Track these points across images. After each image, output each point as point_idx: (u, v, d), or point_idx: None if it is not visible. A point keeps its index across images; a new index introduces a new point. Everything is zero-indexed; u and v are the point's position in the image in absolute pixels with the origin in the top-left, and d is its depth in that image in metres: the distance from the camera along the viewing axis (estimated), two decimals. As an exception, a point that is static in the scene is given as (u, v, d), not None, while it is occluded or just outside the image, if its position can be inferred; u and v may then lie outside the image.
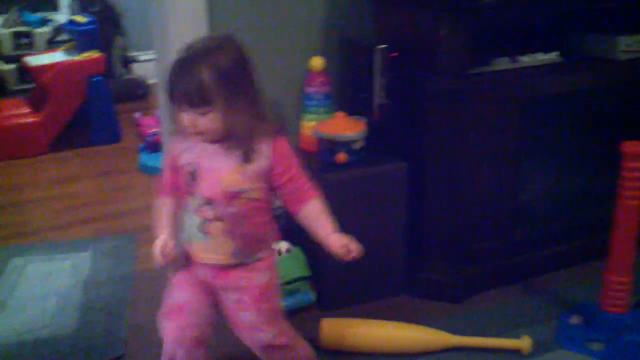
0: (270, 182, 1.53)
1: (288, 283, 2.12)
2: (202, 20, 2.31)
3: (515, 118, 2.18)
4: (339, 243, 1.53)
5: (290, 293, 2.13)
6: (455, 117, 2.09)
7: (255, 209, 1.53)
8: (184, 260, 1.61)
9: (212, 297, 1.62)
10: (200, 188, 1.50)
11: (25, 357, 2.01)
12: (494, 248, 2.28)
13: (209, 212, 1.50)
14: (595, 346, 1.94)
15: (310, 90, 2.26)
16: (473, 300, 2.21)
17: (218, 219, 1.51)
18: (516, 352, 1.94)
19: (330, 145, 2.14)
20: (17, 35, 4.22)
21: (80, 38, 3.96)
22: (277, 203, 1.62)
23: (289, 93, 2.41)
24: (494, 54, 2.19)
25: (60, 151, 3.80)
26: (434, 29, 2.03)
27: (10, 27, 4.23)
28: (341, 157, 2.13)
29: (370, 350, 1.95)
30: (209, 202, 1.50)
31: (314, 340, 1.96)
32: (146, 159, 3.45)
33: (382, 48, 2.16)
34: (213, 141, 1.48)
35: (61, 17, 4.47)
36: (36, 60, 3.94)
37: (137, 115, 4.05)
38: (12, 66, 4.18)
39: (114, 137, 3.92)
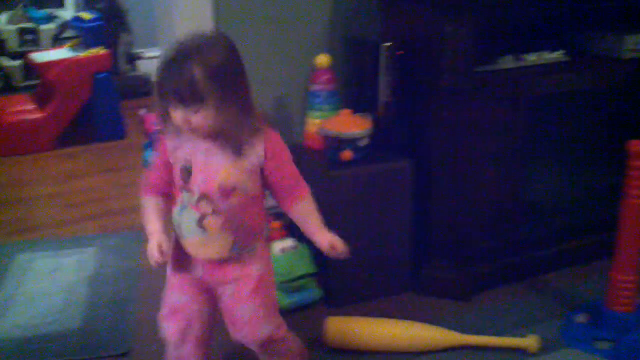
0: (263, 176, 1.54)
1: (294, 280, 2.12)
2: (208, 18, 2.31)
3: (520, 117, 2.18)
4: (327, 241, 1.58)
5: (296, 290, 2.14)
6: (461, 116, 2.09)
7: (251, 202, 1.54)
8: (174, 258, 1.61)
9: (210, 296, 1.62)
10: (196, 184, 1.50)
11: (32, 353, 2.01)
12: (500, 246, 2.28)
13: (207, 207, 1.50)
14: (602, 345, 1.94)
15: (315, 87, 2.27)
16: (479, 299, 2.21)
17: (216, 213, 1.51)
18: (523, 351, 1.93)
19: (336, 143, 2.14)
20: (23, 31, 4.23)
21: (86, 35, 3.97)
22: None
23: (295, 90, 2.42)
24: (499, 52, 2.19)
25: (65, 148, 3.81)
26: (440, 26, 2.03)
27: (16, 23, 4.24)
28: (346, 154, 2.13)
29: (376, 349, 1.95)
30: (205, 197, 1.50)
31: (319, 339, 1.97)
32: (151, 155, 3.44)
33: (388, 46, 2.16)
34: (206, 137, 1.48)
35: (67, 13, 4.47)
36: (42, 57, 3.94)
37: (142, 112, 4.05)
38: (17, 63, 4.19)
39: (119, 133, 3.92)
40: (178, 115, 1.43)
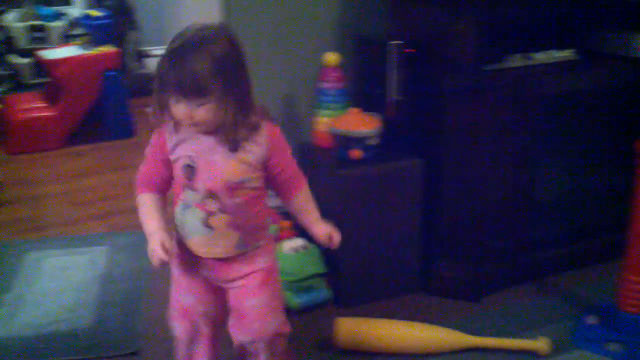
0: (266, 170, 1.53)
1: (303, 280, 2.12)
2: (217, 16, 2.31)
3: (530, 116, 2.17)
4: (324, 231, 1.61)
5: (306, 290, 2.14)
6: (470, 114, 2.08)
7: (256, 197, 1.53)
8: (178, 258, 1.60)
9: (217, 294, 1.62)
10: (201, 181, 1.48)
11: (42, 351, 2.02)
12: (510, 246, 2.27)
13: (213, 205, 1.49)
14: (613, 347, 1.93)
15: (324, 85, 2.26)
16: (489, 300, 2.20)
17: (222, 211, 1.49)
18: (533, 353, 1.92)
19: (345, 141, 2.14)
20: (32, 29, 4.23)
21: (94, 32, 3.96)
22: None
23: (303, 88, 2.41)
24: (508, 50, 2.18)
25: (74, 145, 3.81)
26: (449, 25, 2.03)
27: (25, 21, 4.24)
28: (355, 153, 2.12)
29: (385, 350, 1.95)
30: (211, 194, 1.48)
31: (329, 339, 1.97)
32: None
33: (397, 44, 2.15)
34: (208, 132, 1.45)
35: (75, 11, 4.47)
36: (51, 54, 3.95)
37: (150, 109, 4.06)
38: (26, 60, 4.19)
39: (128, 131, 3.92)
40: (179, 109, 1.41)
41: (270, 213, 2.19)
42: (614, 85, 2.27)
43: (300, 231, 2.18)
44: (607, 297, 2.08)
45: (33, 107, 3.81)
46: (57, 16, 4.40)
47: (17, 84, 4.22)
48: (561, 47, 2.25)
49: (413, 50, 2.16)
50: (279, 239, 2.18)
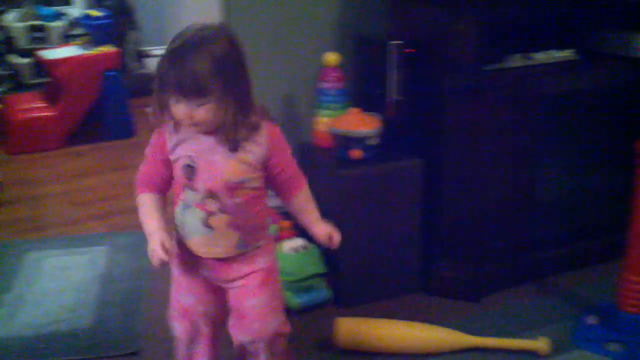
0: (266, 170, 1.53)
1: (303, 280, 2.12)
2: (217, 16, 2.31)
3: (530, 116, 2.17)
4: (324, 231, 1.61)
5: (306, 290, 2.14)
6: (470, 114, 2.08)
7: (256, 197, 1.53)
8: (178, 258, 1.59)
9: (218, 294, 1.61)
10: (201, 181, 1.47)
11: (42, 351, 2.02)
12: (510, 247, 2.27)
13: (213, 205, 1.49)
14: (613, 347, 1.93)
15: (324, 85, 2.26)
16: (489, 300, 2.20)
17: (222, 211, 1.49)
18: (533, 353, 1.92)
19: (345, 141, 2.14)
20: (32, 29, 4.23)
21: (94, 32, 3.96)
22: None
23: (303, 88, 2.42)
24: (508, 50, 2.18)
25: (74, 145, 3.81)
26: (449, 25, 2.03)
27: (25, 21, 4.24)
28: (355, 153, 2.12)
29: (385, 350, 1.95)
30: (211, 194, 1.48)
31: (329, 339, 1.97)
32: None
33: (397, 44, 2.15)
34: (207, 132, 1.45)
35: (75, 11, 4.47)
36: (51, 54, 3.95)
37: (150, 109, 4.05)
38: (26, 60, 4.19)
39: (128, 131, 3.92)
40: (180, 109, 1.40)
41: (270, 213, 2.19)
42: (614, 85, 2.26)
43: (301, 231, 2.18)
44: (607, 297, 2.08)
45: (33, 107, 3.81)
46: (57, 16, 4.41)
47: (17, 84, 4.22)
48: (561, 47, 2.24)
49: (413, 50, 2.16)
50: (279, 239, 2.18)
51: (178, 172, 1.50)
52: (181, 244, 1.57)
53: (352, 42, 2.43)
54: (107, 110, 3.87)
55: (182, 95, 1.38)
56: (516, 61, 2.18)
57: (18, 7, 4.35)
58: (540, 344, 1.92)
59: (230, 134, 1.44)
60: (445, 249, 2.22)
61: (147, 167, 1.55)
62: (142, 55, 4.64)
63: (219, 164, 1.47)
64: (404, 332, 1.96)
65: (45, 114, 3.78)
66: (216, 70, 1.37)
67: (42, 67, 4.08)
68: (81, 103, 3.83)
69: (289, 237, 2.20)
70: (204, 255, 1.55)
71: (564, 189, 2.33)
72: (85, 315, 2.19)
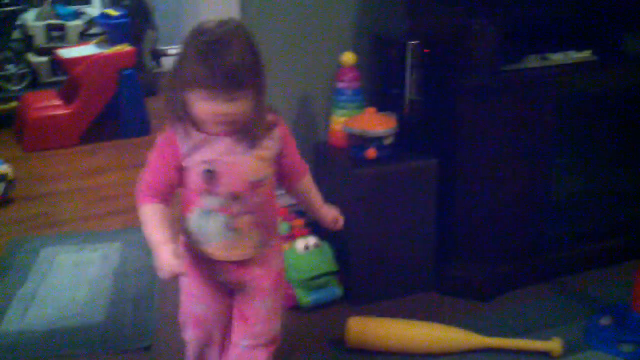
0: (277, 163, 1.52)
1: (315, 278, 2.12)
2: (235, 15, 2.32)
3: (546, 116, 2.16)
4: (331, 215, 1.63)
5: (317, 288, 2.14)
6: (487, 115, 2.08)
7: (270, 194, 1.52)
8: (190, 266, 1.54)
9: (226, 297, 1.60)
10: (223, 185, 1.43)
11: (56, 345, 2.04)
12: (524, 246, 2.26)
13: (236, 207, 1.46)
14: (627, 347, 1.92)
15: (341, 85, 2.26)
16: (501, 299, 2.19)
17: (246, 212, 1.47)
18: (546, 353, 1.91)
19: (360, 141, 2.13)
20: (50, 28, 4.27)
21: (111, 31, 4.00)
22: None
23: (320, 88, 2.42)
24: (525, 51, 2.17)
25: (90, 143, 3.83)
26: (467, 24, 2.02)
27: (43, 19, 4.28)
28: (371, 152, 2.12)
29: (396, 350, 1.94)
30: (235, 196, 1.45)
31: (340, 338, 1.96)
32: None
33: (414, 44, 2.15)
34: (227, 133, 1.41)
35: (93, 10, 4.50)
36: (68, 52, 3.98)
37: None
38: (44, 58, 4.22)
39: (144, 129, 3.94)
40: (209, 106, 1.35)
41: (283, 211, 2.20)
42: (631, 86, 2.25)
43: (313, 229, 2.18)
44: (620, 298, 2.07)
45: (50, 105, 3.84)
46: (76, 15, 4.44)
47: (35, 82, 4.26)
48: (579, 48, 2.23)
49: (430, 50, 2.15)
50: (291, 237, 2.19)
51: (194, 178, 1.44)
52: (192, 252, 1.53)
53: (368, 41, 2.43)
54: (123, 109, 3.89)
55: (215, 90, 1.33)
56: (533, 62, 2.17)
57: (37, 5, 4.39)
58: (553, 344, 1.91)
59: (254, 130, 1.42)
60: (458, 249, 2.22)
61: (153, 176, 1.45)
62: (158, 55, 4.67)
63: (241, 165, 1.43)
64: (415, 331, 1.96)
65: (62, 111, 3.81)
66: (250, 62, 1.36)
67: (59, 65, 4.12)
68: (97, 101, 3.86)
69: (301, 235, 2.20)
70: (223, 259, 1.52)
71: (578, 189, 2.32)
72: (98, 311, 2.20)
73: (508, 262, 2.24)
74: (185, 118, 1.40)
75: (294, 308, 2.12)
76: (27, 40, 4.28)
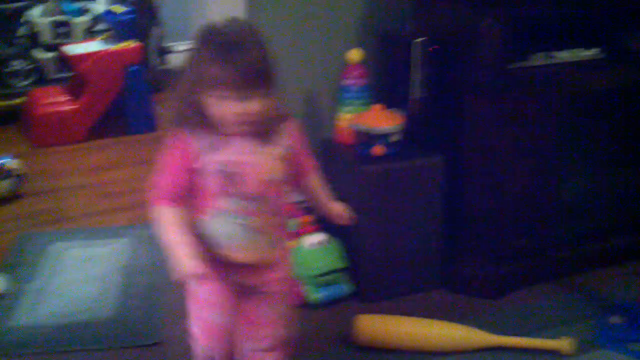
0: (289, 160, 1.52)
1: (324, 274, 2.13)
2: (241, 13, 2.32)
3: (554, 114, 2.16)
4: (339, 210, 1.62)
5: (326, 285, 2.14)
6: (494, 112, 2.08)
7: (283, 192, 1.51)
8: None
9: (235, 300, 1.56)
10: (243, 186, 1.41)
11: (65, 340, 2.05)
12: (533, 244, 2.26)
13: (254, 208, 1.44)
14: (637, 347, 1.91)
15: (347, 82, 2.26)
16: (510, 298, 2.19)
17: (265, 211, 1.45)
18: (556, 352, 1.91)
19: (367, 138, 2.14)
20: (56, 24, 4.27)
21: (118, 28, 4.00)
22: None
23: (326, 85, 2.42)
24: (533, 48, 2.17)
25: (97, 139, 3.83)
26: (475, 22, 2.02)
27: (50, 16, 4.29)
28: (377, 149, 2.12)
29: (405, 348, 1.94)
30: (254, 197, 1.43)
31: (349, 335, 1.97)
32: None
33: (421, 41, 2.15)
34: (244, 133, 1.39)
35: (99, 6, 4.50)
36: (74, 49, 3.98)
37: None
38: (50, 55, 4.23)
39: (150, 126, 3.94)
40: (228, 106, 1.34)
41: (291, 208, 2.20)
42: (638, 84, 2.24)
43: (322, 226, 2.18)
44: (631, 297, 2.07)
45: (57, 101, 3.84)
46: (82, 12, 4.44)
47: (41, 78, 4.27)
48: (586, 46, 2.23)
49: (437, 47, 2.15)
50: (300, 233, 2.19)
51: (211, 180, 1.41)
52: (206, 256, 1.46)
53: (375, 38, 2.43)
54: (130, 105, 3.89)
55: (238, 89, 1.32)
56: (540, 59, 2.17)
57: (43, 2, 4.39)
58: (563, 343, 1.90)
59: (270, 128, 1.43)
60: (467, 246, 2.22)
61: (167, 178, 1.43)
62: (164, 51, 4.66)
63: (259, 164, 1.42)
64: (424, 329, 1.96)
65: (69, 107, 3.81)
66: (266, 60, 1.36)
67: (66, 61, 4.12)
68: (104, 97, 3.86)
69: (310, 232, 2.21)
70: (241, 261, 1.49)
71: (587, 187, 2.32)
72: (107, 306, 2.21)
73: (517, 260, 2.24)
74: (199, 119, 1.39)
75: (302, 305, 2.12)
76: (33, 37, 4.28)
